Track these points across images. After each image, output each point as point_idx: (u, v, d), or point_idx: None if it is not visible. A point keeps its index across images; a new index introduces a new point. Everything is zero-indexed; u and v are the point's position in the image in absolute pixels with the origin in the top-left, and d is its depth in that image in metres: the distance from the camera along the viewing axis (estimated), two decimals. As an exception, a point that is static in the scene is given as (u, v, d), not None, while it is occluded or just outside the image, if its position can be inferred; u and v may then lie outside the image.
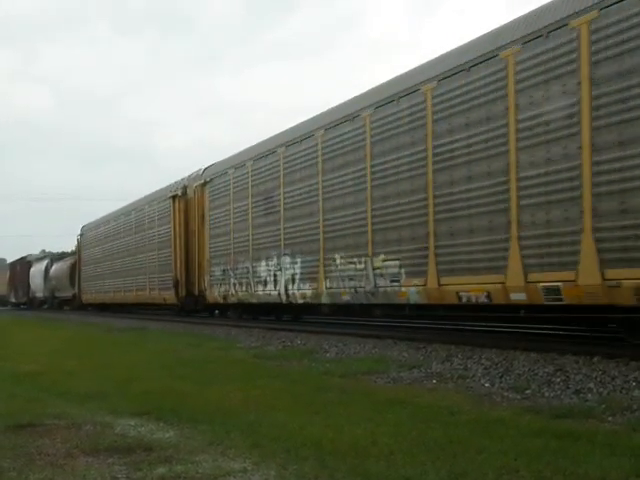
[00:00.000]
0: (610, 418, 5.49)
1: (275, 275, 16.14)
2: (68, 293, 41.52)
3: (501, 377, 7.66)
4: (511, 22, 10.12)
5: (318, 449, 4.52)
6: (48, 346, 14.00)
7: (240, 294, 18.29)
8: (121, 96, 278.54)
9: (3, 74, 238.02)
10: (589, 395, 6.48)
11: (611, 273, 8.22)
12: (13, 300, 60.99)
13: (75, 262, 39.64)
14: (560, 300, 8.94)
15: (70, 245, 56.25)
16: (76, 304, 39.58)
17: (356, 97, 14.03)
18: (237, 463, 4.31)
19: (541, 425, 5.14)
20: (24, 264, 56.48)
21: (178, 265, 22.63)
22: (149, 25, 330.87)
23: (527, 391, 6.82)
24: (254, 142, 18.71)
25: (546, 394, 6.66)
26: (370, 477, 3.95)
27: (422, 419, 5.42)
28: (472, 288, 10.32)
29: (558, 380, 7.21)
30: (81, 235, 38.05)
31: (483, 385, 7.33)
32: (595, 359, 8.16)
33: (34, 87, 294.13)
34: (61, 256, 49.00)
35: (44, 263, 49.48)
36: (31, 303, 53.93)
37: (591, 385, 6.85)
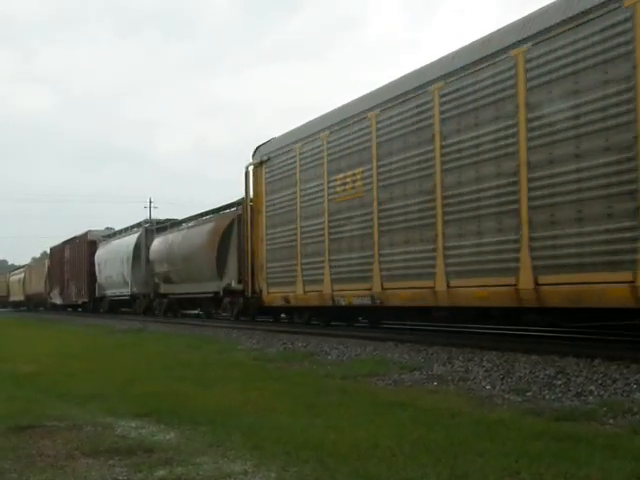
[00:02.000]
0: (611, 421, 5.48)
1: None
2: (207, 287, 21.61)
3: (502, 379, 7.65)
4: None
5: (319, 451, 4.51)
6: (49, 347, 14.00)
7: None
8: (121, 96, 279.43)
9: (3, 74, 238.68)
10: (590, 398, 6.48)
11: None
12: (57, 301, 41.27)
13: (230, 225, 20.46)
14: None
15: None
16: (240, 307, 19.71)
17: None
18: (238, 465, 4.31)
19: (542, 427, 5.13)
20: (80, 245, 36.39)
21: None
22: (149, 26, 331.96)
23: (528, 393, 6.81)
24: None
25: (547, 396, 6.65)
26: (371, 479, 3.95)
27: (423, 421, 5.41)
28: None
29: (559, 382, 7.20)
30: (260, 165, 16.98)
31: (484, 387, 7.33)
32: (596, 361, 8.15)
33: (34, 87, 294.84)
34: (163, 225, 28.00)
35: (132, 239, 29.30)
36: (97, 305, 34.39)
37: (592, 388, 6.84)
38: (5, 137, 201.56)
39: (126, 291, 29.67)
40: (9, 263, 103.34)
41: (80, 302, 36.64)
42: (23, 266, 59.85)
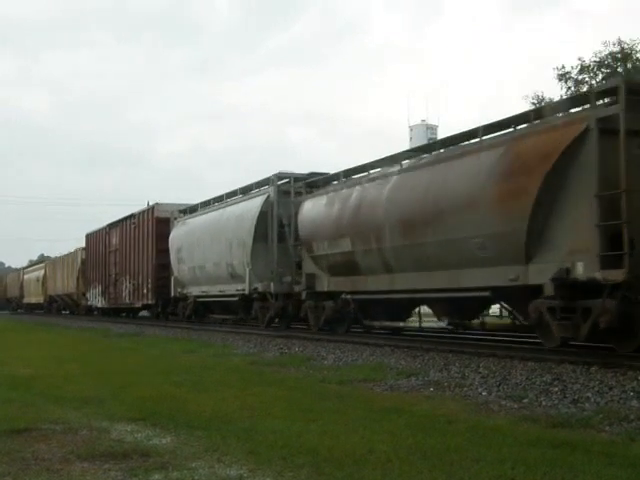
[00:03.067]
0: (607, 428, 5.48)
1: None
2: (472, 278, 10.72)
3: (498, 386, 7.65)
4: None
5: (314, 456, 4.51)
6: (45, 351, 13.97)
7: None
8: (121, 101, 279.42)
9: (4, 78, 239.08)
10: (586, 405, 6.48)
11: None
12: (97, 304, 31.82)
13: (571, 146, 8.92)
14: None
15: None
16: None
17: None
18: (233, 470, 4.30)
19: (538, 434, 5.13)
20: (141, 226, 26.13)
21: None
22: (150, 31, 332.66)
23: (524, 400, 6.81)
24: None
25: (543, 403, 6.65)
26: (366, 485, 3.94)
27: (419, 427, 5.41)
28: None
29: (555, 389, 7.20)
30: None
31: (480, 394, 7.33)
32: (593, 369, 8.15)
33: (34, 90, 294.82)
34: (320, 178, 16.22)
35: (251, 206, 18.23)
36: (168, 309, 24.83)
37: (588, 395, 6.84)
38: (4, 139, 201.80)
39: (236, 288, 19.01)
40: (6, 265, 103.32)
41: (139, 305, 26.44)
42: (40, 262, 51.39)
